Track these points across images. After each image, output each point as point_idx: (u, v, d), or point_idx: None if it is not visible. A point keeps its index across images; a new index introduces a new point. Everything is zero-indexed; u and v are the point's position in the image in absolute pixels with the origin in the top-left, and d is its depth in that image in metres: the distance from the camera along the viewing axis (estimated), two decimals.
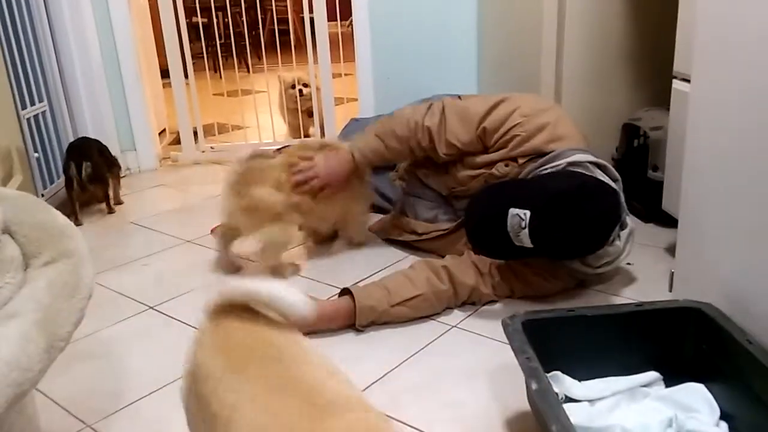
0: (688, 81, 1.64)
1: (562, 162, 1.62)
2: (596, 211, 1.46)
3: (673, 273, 1.54)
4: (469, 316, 1.64)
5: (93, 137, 2.64)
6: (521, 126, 1.69)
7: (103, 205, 2.52)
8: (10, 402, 0.84)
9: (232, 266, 1.98)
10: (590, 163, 1.63)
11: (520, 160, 1.70)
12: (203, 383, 0.82)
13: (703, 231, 1.39)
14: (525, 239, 1.44)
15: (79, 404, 1.36)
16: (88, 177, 2.40)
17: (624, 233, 1.65)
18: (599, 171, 1.64)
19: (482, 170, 1.77)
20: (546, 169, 1.63)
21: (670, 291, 1.55)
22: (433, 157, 1.86)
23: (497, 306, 1.68)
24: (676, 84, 1.74)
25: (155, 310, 1.75)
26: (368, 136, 1.90)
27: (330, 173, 1.88)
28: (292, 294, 0.89)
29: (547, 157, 1.65)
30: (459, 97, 1.91)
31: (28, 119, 2.37)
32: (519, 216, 1.44)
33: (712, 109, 1.33)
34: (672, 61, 1.76)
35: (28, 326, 0.92)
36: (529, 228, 1.43)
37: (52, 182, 2.51)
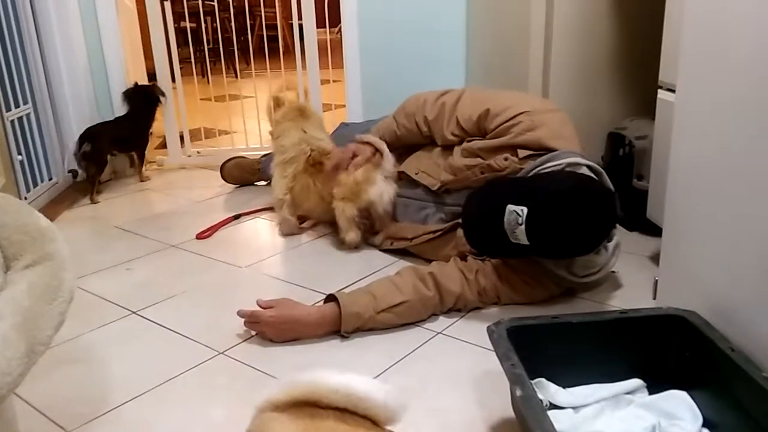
0: (673, 91, 1.66)
1: (561, 162, 1.62)
2: (594, 211, 1.47)
3: (657, 281, 1.54)
4: (455, 322, 1.64)
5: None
6: (527, 115, 1.70)
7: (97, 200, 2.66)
8: None
9: (295, 228, 2.24)
10: (588, 167, 1.64)
11: (521, 154, 1.69)
12: None
13: (686, 240, 1.40)
14: (521, 236, 1.45)
15: (60, 410, 1.34)
16: (82, 155, 2.59)
17: (611, 245, 1.66)
18: (595, 177, 1.65)
19: (480, 159, 1.77)
20: (545, 168, 1.64)
21: (654, 299, 1.56)
22: (437, 138, 1.89)
23: (483, 313, 1.68)
24: (662, 94, 1.75)
25: (138, 315, 1.73)
26: (387, 118, 2.06)
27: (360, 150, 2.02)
28: (377, 389, 0.77)
29: (547, 155, 1.65)
30: None
31: (12, 121, 2.35)
32: (516, 212, 1.44)
33: (696, 119, 1.35)
34: (658, 71, 1.77)
35: (7, 329, 0.91)
36: (526, 225, 1.43)
37: (35, 185, 2.49)
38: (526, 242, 1.46)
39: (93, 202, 2.63)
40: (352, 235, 2.05)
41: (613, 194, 1.57)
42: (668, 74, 1.72)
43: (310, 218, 2.29)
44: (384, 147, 2.01)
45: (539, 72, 2.23)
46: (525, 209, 1.43)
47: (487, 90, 1.96)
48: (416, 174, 1.97)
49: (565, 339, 1.25)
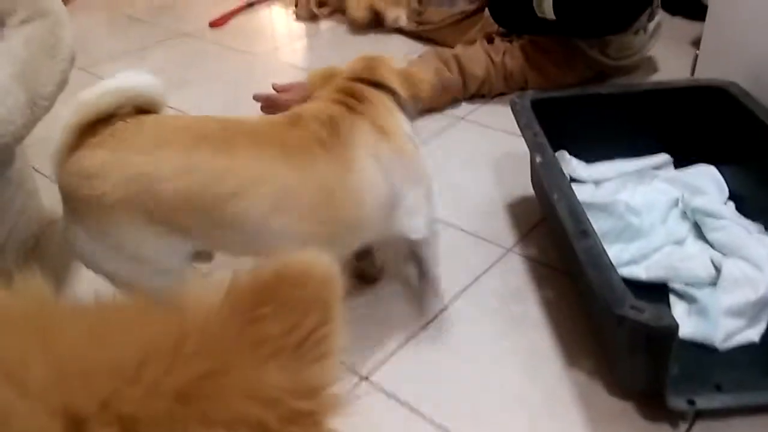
0: None
1: None
2: None
3: (697, 55, 1.43)
4: (478, 108, 1.57)
5: None
6: None
7: None
8: None
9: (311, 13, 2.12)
10: None
11: None
12: None
13: (733, 8, 1.27)
14: (548, 9, 1.34)
15: None
16: None
17: (651, 25, 1.53)
18: None
19: None
20: None
21: (692, 75, 1.46)
22: None
23: (508, 98, 1.60)
24: None
25: None
26: None
27: None
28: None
29: None
30: None
31: None
32: None
33: None
34: None
35: (4, 78, 0.87)
36: None
37: None
38: (552, 16, 1.34)
39: None
40: (358, 13, 1.95)
41: None
42: None
43: (328, 4, 2.16)
44: None
45: None
46: None
47: None
48: None
49: (591, 112, 1.19)
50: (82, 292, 0.89)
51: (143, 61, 1.92)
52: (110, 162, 0.75)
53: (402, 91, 0.94)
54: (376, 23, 1.98)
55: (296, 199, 0.80)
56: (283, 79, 1.71)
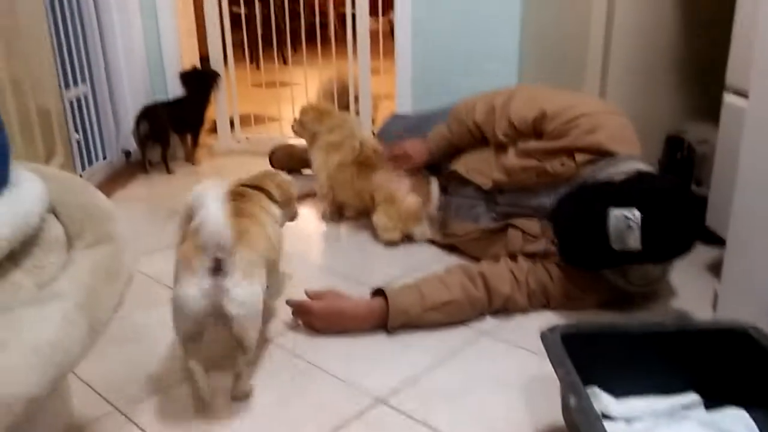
0: (742, 95, 1.60)
1: (622, 169, 1.55)
2: (697, 210, 1.46)
3: (717, 292, 1.49)
4: (502, 323, 1.61)
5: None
6: (586, 117, 1.65)
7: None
8: (52, 383, 0.84)
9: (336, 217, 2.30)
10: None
11: (578, 158, 1.63)
12: None
13: (752, 252, 1.35)
14: (633, 241, 1.37)
15: (111, 388, 1.36)
16: (144, 135, 2.71)
17: None
18: None
19: (534, 161, 1.71)
20: (608, 174, 1.56)
21: (714, 311, 1.51)
22: (489, 137, 1.87)
23: (531, 314, 1.65)
24: (729, 98, 1.69)
25: None
26: (439, 125, 2.03)
27: (415, 152, 2.03)
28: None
29: (606, 160, 1.60)
30: None
31: (71, 101, 2.39)
32: (625, 216, 1.36)
33: None
34: (721, 73, 1.71)
35: (71, 308, 0.92)
36: (642, 228, 1.36)
37: (90, 164, 2.54)
38: (638, 247, 1.37)
39: (169, 172, 2.84)
40: (392, 235, 2.08)
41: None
42: (737, 77, 1.66)
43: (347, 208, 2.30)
44: (435, 189, 2.03)
45: (597, 67, 2.18)
46: (637, 212, 1.36)
47: (539, 88, 1.91)
48: (467, 172, 1.94)
49: (621, 348, 1.22)
50: None
51: None
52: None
53: (275, 192, 1.59)
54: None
55: None
56: (312, 281, 1.78)
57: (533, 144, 1.74)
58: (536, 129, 1.75)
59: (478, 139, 1.94)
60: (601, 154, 1.62)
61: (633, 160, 1.59)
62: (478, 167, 1.91)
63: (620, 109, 1.75)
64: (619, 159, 1.60)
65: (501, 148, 1.87)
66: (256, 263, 1.30)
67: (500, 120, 1.82)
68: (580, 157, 1.64)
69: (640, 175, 1.52)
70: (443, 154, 2.02)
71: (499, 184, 1.83)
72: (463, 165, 1.97)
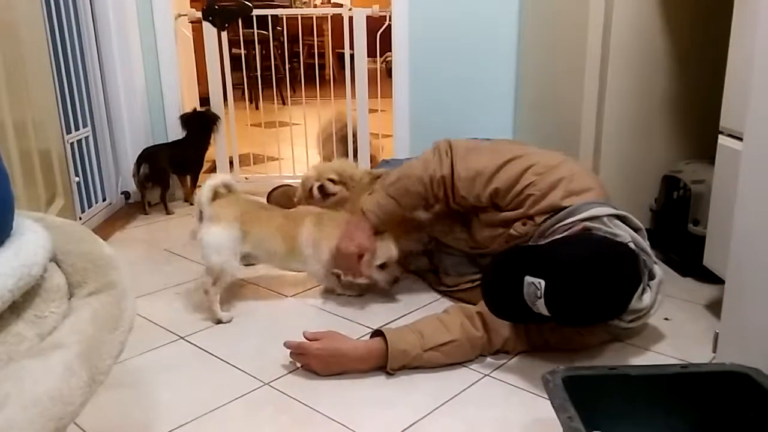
0: (737, 138, 1.63)
1: (578, 217, 1.60)
2: (613, 278, 1.43)
3: (717, 334, 1.49)
4: (503, 364, 1.61)
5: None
6: (535, 185, 1.69)
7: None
8: None
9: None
10: (609, 215, 1.61)
11: (537, 219, 1.69)
12: None
13: (751, 294, 1.35)
14: (542, 308, 1.42)
15: None
16: (145, 176, 2.74)
17: (653, 283, 1.60)
18: (619, 222, 1.62)
19: (501, 229, 1.77)
20: (564, 225, 1.62)
21: (714, 352, 1.51)
22: (449, 205, 1.88)
23: (532, 355, 1.64)
24: (723, 140, 1.71)
25: (185, 340, 1.74)
26: (380, 198, 1.89)
27: (360, 244, 1.88)
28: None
29: (564, 211, 1.64)
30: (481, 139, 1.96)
31: (72, 144, 2.42)
32: (534, 285, 1.41)
33: (766, 170, 1.31)
34: (716, 113, 1.73)
35: (71, 358, 0.92)
36: (545, 297, 1.40)
37: (90, 206, 2.55)
38: (547, 314, 1.43)
39: (168, 213, 2.86)
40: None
41: (631, 252, 1.52)
42: (731, 120, 1.68)
43: None
44: (372, 246, 1.90)
45: (593, 109, 2.21)
46: (543, 282, 1.39)
47: (477, 153, 1.81)
48: (446, 240, 2.00)
49: (622, 391, 1.22)
50: None
51: (179, 296, 2.01)
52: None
53: None
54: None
55: None
56: (313, 322, 1.78)
57: (498, 216, 1.78)
58: (493, 203, 1.78)
59: (434, 208, 1.97)
60: (558, 210, 1.66)
61: (590, 207, 1.62)
62: (454, 236, 1.96)
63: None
64: (577, 208, 1.63)
65: (469, 222, 1.90)
66: None
67: (456, 194, 1.82)
68: (538, 218, 1.69)
69: (564, 241, 1.56)
70: (388, 223, 1.94)
71: (476, 251, 1.90)
72: (441, 232, 2.01)
